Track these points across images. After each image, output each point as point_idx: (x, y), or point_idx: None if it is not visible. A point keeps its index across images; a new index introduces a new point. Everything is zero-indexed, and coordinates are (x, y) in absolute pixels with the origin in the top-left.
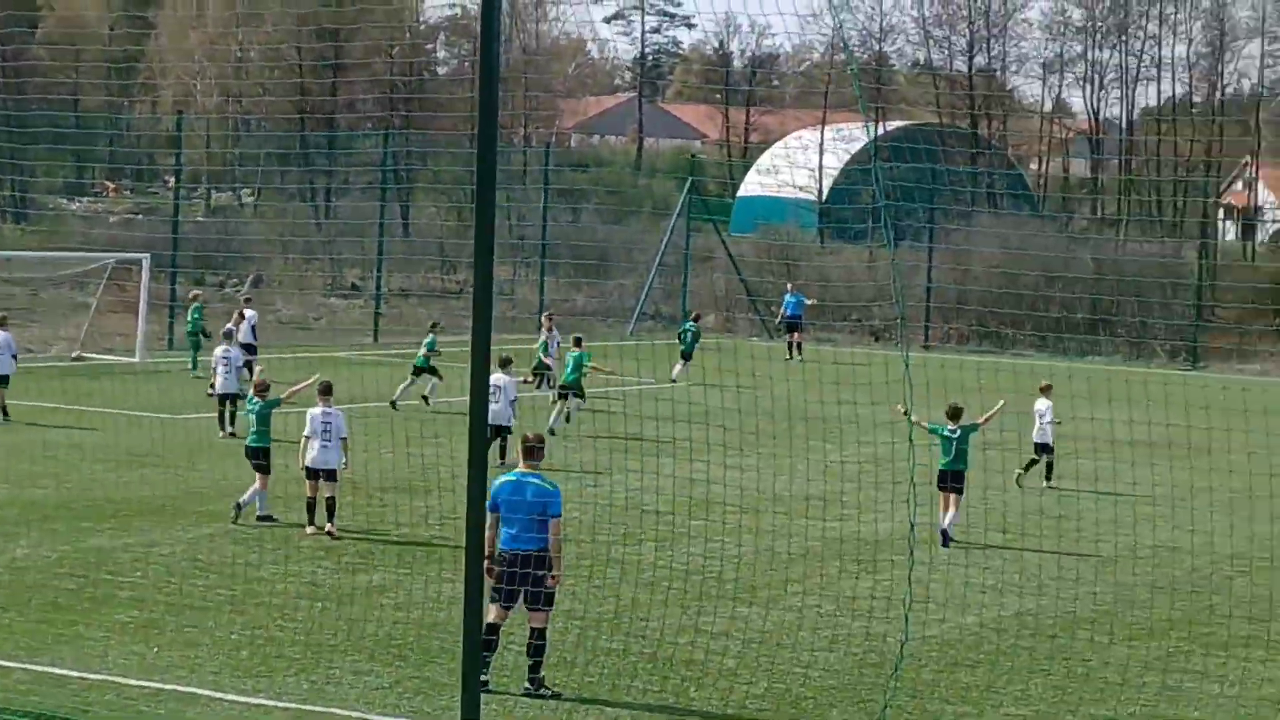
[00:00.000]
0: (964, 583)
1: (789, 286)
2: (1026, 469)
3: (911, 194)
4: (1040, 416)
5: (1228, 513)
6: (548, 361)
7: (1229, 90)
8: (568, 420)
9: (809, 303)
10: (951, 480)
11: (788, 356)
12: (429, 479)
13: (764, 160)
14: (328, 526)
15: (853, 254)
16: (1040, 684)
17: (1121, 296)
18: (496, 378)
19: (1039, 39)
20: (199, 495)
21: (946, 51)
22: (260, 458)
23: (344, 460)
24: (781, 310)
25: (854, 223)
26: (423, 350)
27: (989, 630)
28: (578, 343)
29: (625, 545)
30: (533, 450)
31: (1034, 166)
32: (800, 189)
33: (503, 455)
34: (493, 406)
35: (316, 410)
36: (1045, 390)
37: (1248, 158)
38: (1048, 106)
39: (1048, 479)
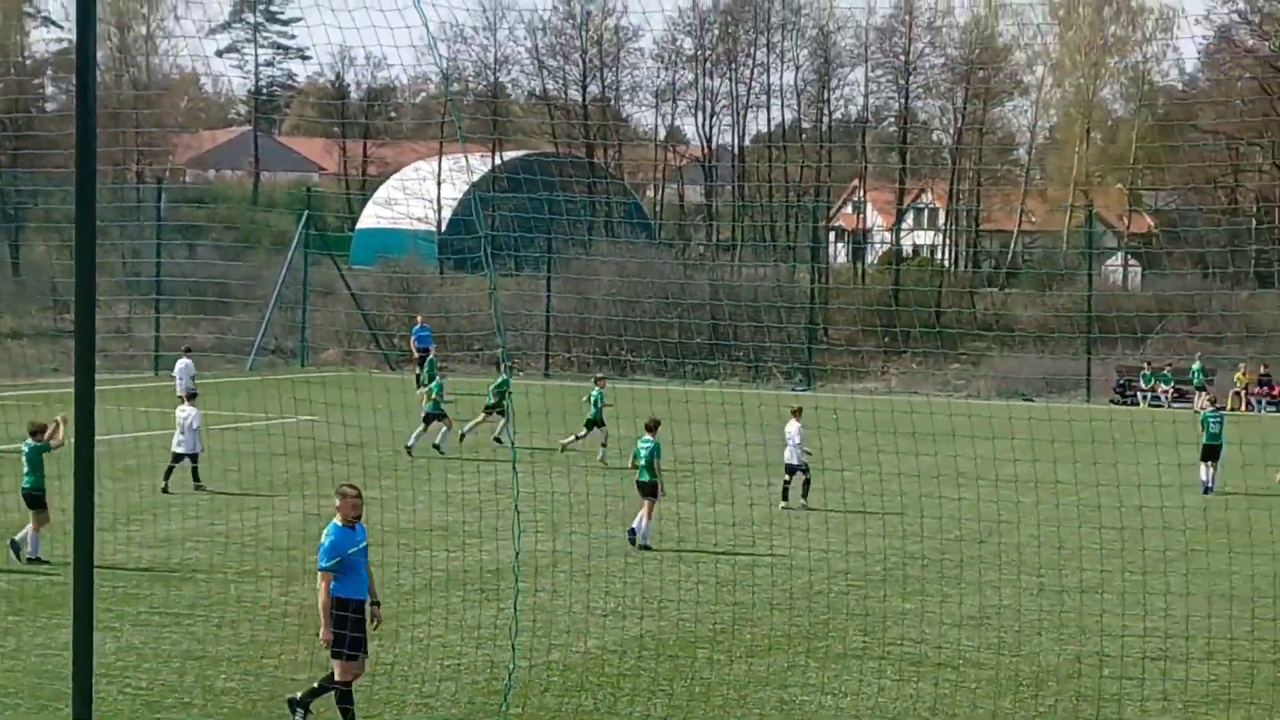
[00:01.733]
0: (585, 606)
1: (419, 319)
2: (785, 493)
3: (528, 223)
4: (790, 439)
5: (837, 529)
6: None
7: (836, 115)
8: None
9: None
10: (647, 488)
11: (417, 386)
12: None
13: (382, 192)
14: None
15: (472, 284)
16: (660, 704)
17: (737, 321)
18: (185, 410)
19: (651, 67)
20: None
21: (561, 81)
22: (33, 499)
23: None
24: (412, 341)
25: (471, 253)
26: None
27: (610, 653)
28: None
29: (245, 582)
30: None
31: (650, 194)
32: (419, 220)
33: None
34: (179, 436)
35: None
36: (796, 413)
37: (856, 181)
38: (662, 134)
39: (804, 495)
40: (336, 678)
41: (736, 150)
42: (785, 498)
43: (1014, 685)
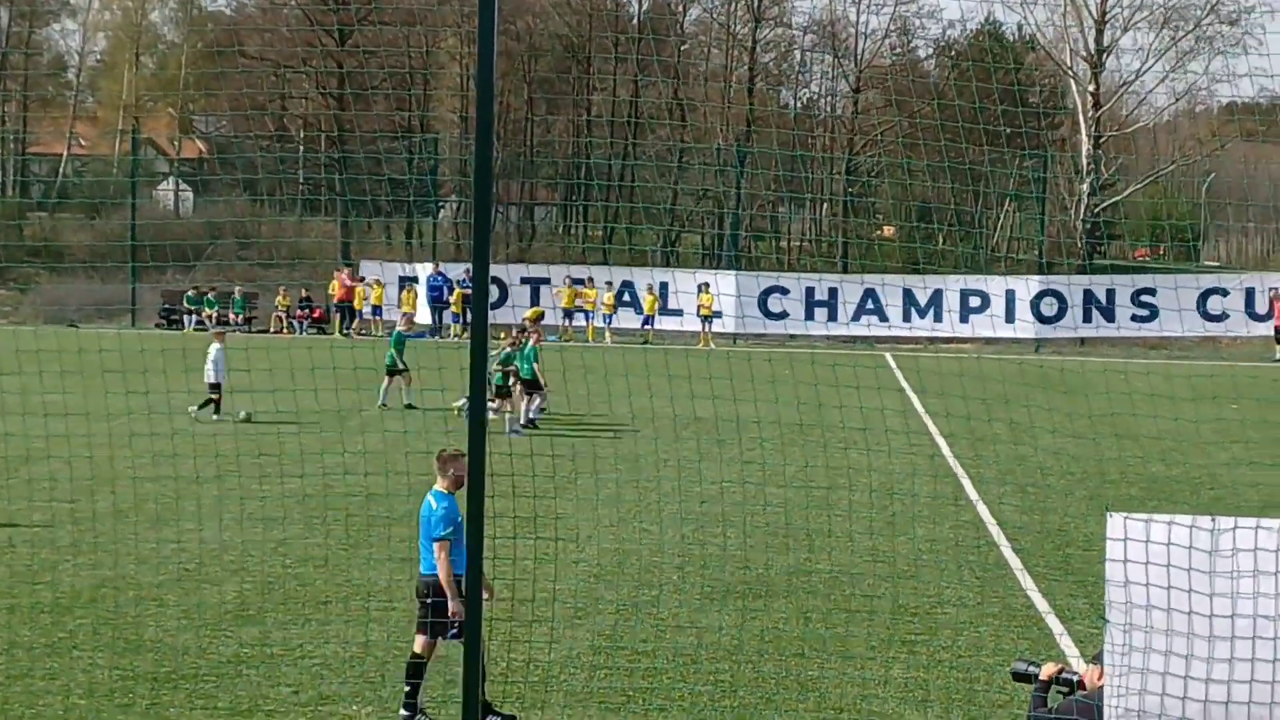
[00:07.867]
0: None
1: None
2: (202, 406)
3: None
4: (211, 359)
5: None
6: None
7: None
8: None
9: None
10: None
11: None
12: None
13: None
14: None
15: None
16: None
17: None
18: None
19: None
20: None
21: None
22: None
23: None
24: None
25: None
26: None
27: None
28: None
29: None
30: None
31: None
32: None
33: None
34: None
35: None
36: (220, 336)
37: None
38: None
39: (216, 411)
40: (417, 650)
41: None
42: (217, 410)
43: (33, 613)
